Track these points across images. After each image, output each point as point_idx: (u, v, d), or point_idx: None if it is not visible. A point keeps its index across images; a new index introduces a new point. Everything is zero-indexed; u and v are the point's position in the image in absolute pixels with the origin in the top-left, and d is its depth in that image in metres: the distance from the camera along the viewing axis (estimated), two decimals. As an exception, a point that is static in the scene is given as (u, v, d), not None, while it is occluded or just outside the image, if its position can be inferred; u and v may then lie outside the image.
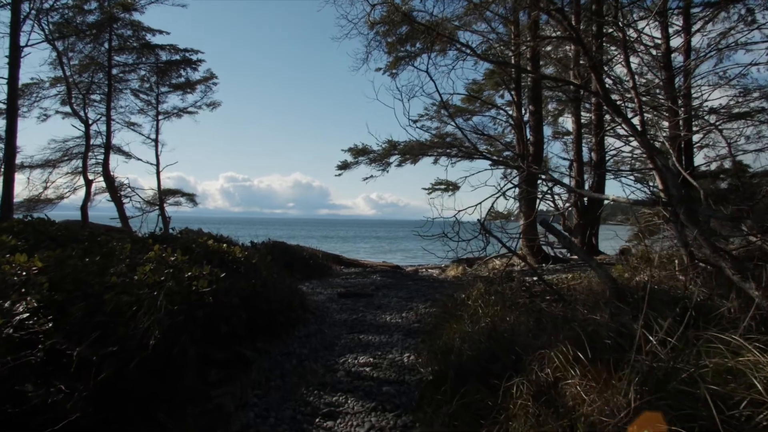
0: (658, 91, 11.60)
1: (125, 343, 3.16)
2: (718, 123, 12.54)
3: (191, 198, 17.19)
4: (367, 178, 14.06)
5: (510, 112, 15.82)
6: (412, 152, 13.79)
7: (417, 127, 14.74)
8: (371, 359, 5.15)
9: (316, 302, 8.11)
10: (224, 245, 6.68)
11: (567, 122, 18.31)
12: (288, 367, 4.86)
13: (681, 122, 10.79)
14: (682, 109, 10.98)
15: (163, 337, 3.40)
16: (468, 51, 13.41)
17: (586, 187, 17.13)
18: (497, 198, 6.08)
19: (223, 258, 6.23)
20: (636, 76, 7.05)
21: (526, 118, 15.07)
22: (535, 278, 6.19)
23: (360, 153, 13.55)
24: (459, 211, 6.03)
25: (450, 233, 5.85)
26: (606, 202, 8.15)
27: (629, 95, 6.96)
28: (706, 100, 12.97)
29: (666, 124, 11.11)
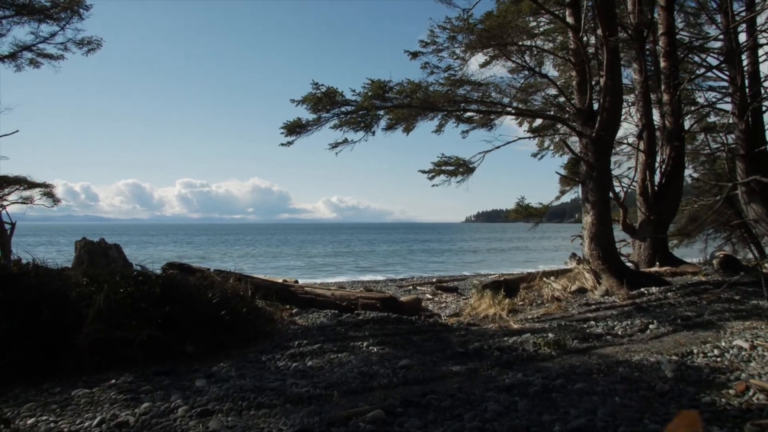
0: None
1: None
2: None
3: (48, 193, 10.53)
4: (337, 145, 7.96)
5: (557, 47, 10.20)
6: (412, 104, 7.83)
7: (420, 67, 8.82)
8: None
9: None
10: None
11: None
12: None
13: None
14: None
15: None
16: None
17: (657, 162, 11.72)
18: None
19: None
20: None
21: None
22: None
23: (323, 103, 7.35)
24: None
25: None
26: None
27: None
28: None
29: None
